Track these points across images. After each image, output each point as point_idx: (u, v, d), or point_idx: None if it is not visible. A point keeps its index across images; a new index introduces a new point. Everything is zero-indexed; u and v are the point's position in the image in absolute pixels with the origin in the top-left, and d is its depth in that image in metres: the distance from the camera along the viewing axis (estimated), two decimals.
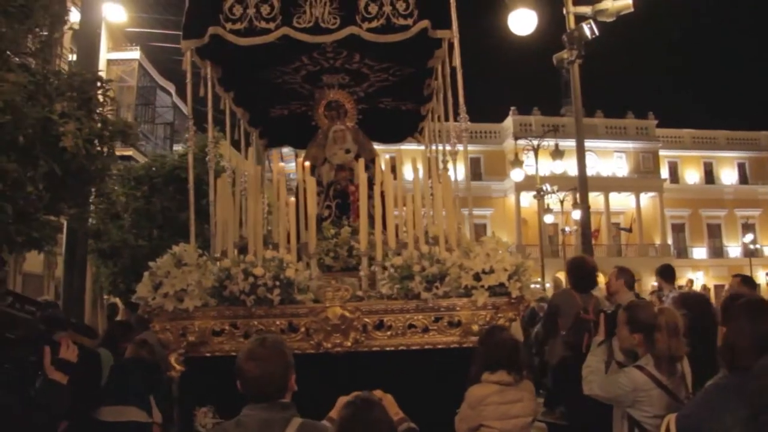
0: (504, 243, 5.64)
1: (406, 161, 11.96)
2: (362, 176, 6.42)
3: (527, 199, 45.40)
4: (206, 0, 6.21)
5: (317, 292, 5.52)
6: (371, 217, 6.23)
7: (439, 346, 5.48)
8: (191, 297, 5.36)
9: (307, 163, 6.71)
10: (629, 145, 49.53)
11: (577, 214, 38.78)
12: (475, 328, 5.43)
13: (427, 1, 6.12)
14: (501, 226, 45.42)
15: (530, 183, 33.77)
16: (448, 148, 7.95)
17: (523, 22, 10.59)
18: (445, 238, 5.99)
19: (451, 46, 6.23)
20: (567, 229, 36.32)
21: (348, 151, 7.81)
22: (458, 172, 7.87)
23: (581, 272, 6.60)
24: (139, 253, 8.97)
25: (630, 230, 41.12)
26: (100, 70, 7.62)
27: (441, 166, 7.40)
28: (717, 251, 51.13)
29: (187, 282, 5.34)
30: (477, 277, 5.41)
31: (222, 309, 5.45)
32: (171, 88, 23.77)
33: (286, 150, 14.44)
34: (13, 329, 3.06)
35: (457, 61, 6.09)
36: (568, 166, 32.89)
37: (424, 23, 6.05)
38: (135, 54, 21.31)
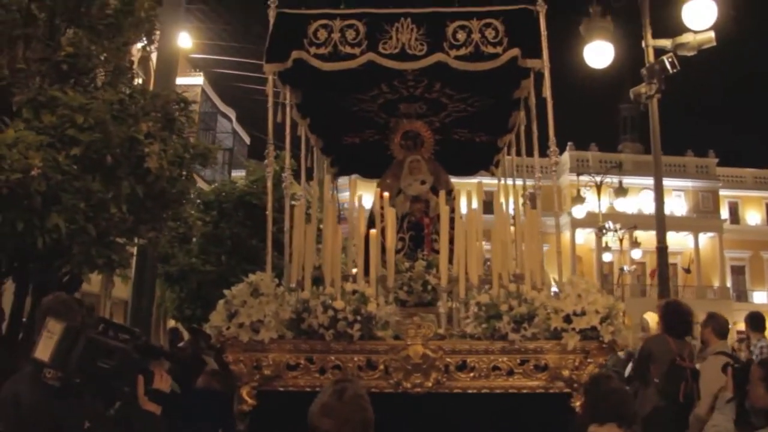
0: (594, 284, 5.34)
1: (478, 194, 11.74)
2: (443, 209, 6.20)
3: (582, 235, 44.68)
4: (290, 23, 6.10)
5: (398, 328, 5.28)
6: (450, 252, 6.00)
7: (524, 391, 5.20)
8: (268, 328, 5.16)
9: (386, 194, 6.50)
10: (688, 183, 48.43)
11: (636, 253, 37.98)
12: (565, 373, 5.14)
13: (517, 30, 5.90)
14: (555, 263, 44.59)
15: (586, 220, 33.21)
16: (529, 182, 7.74)
17: (599, 54, 10.32)
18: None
19: (540, 76, 5.99)
20: (626, 268, 35.43)
21: (423, 183, 7.61)
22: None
23: (677, 317, 6.23)
24: (206, 279, 8.92)
25: (689, 271, 39.99)
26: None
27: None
28: None
29: (264, 313, 5.15)
30: (567, 319, 5.11)
31: (298, 342, 5.25)
32: (231, 114, 24.02)
33: (341, 180, 14.36)
34: (107, 358, 2.88)
35: (547, 92, 5.86)
36: (626, 203, 32.29)
37: (514, 52, 5.82)
38: (199, 80, 21.62)
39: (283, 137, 6.46)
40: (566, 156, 46.38)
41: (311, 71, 6.10)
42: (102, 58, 5.17)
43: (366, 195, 6.48)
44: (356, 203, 6.24)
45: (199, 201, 9.64)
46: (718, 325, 6.20)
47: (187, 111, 5.19)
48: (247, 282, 5.34)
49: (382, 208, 6.42)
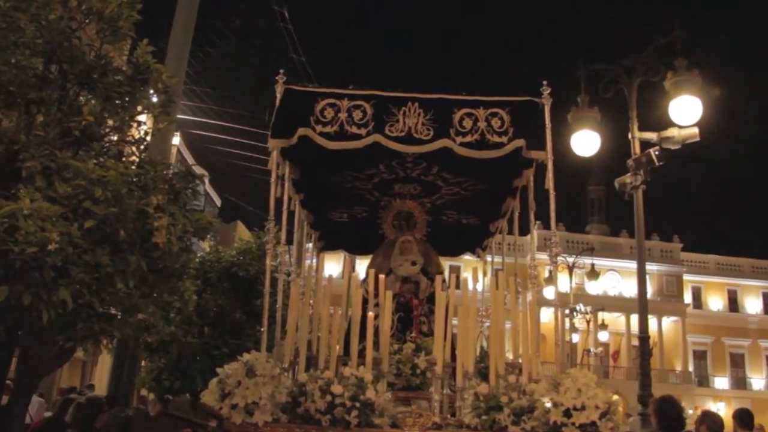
0: (593, 377, 5.38)
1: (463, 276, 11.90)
2: (440, 294, 6.23)
3: (546, 314, 44.92)
4: (298, 100, 6.19)
5: (395, 416, 5.24)
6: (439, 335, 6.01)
7: None
8: (263, 411, 5.06)
9: (382, 275, 6.52)
10: (653, 267, 49.06)
11: (603, 335, 38.23)
12: None
13: (522, 120, 6.07)
14: (519, 341, 44.64)
15: (553, 299, 33.35)
16: (511, 260, 7.85)
17: (586, 143, 10.60)
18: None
19: (542, 166, 6.15)
20: (592, 350, 35.62)
21: (414, 263, 7.64)
22: (482, 284, 7.91)
23: (672, 413, 6.28)
24: (187, 350, 8.78)
25: (651, 349, 40.52)
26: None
27: (516, 288, 7.20)
28: (740, 382, 49.86)
29: (260, 395, 5.06)
30: (567, 414, 5.12)
31: (293, 427, 5.15)
32: (205, 175, 24.00)
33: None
34: None
35: (550, 184, 5.99)
36: (592, 284, 32.77)
37: (520, 142, 5.98)
38: (175, 140, 21.59)
39: (273, 211, 6.44)
40: (534, 235, 47.11)
41: (314, 149, 6.18)
42: (115, 125, 5.18)
43: (332, 267, 6.50)
44: (324, 277, 6.26)
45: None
46: (713, 424, 6.27)
47: (194, 184, 5.19)
48: (242, 361, 5.25)
49: (376, 289, 6.44)
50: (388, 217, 8.04)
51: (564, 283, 30.86)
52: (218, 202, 29.32)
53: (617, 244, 49.21)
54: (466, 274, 6.28)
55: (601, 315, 36.27)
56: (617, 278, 48.22)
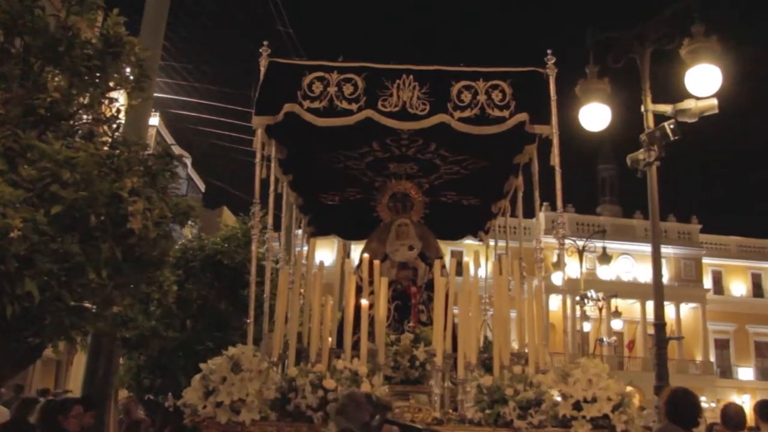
0: (605, 367, 5.37)
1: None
2: (439, 280, 6.21)
3: (555, 302, 44.96)
4: (284, 74, 6.17)
5: (392, 411, 5.23)
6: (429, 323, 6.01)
7: None
8: (249, 409, 5.07)
9: (377, 261, 6.50)
10: (670, 250, 49.06)
11: (617, 324, 38.29)
12: None
13: (525, 93, 6.05)
14: (526, 330, 44.76)
15: (563, 286, 33.37)
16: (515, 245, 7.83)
17: (595, 117, 10.53)
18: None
19: (547, 142, 6.13)
20: (605, 339, 35.66)
21: (411, 248, 7.65)
22: (485, 269, 7.73)
23: (688, 406, 6.26)
24: (168, 346, 8.75)
25: (681, 338, 40.25)
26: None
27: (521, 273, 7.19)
28: (765, 372, 49.98)
29: (246, 391, 5.06)
30: (577, 406, 5.13)
31: (282, 425, 5.16)
32: (187, 158, 23.93)
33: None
34: None
35: (556, 160, 5.98)
36: (604, 269, 32.76)
37: (522, 116, 5.96)
38: (154, 120, 21.47)
39: (259, 193, 6.41)
40: (541, 217, 47.00)
41: (302, 126, 6.15)
42: (84, 103, 5.11)
43: (324, 254, 6.50)
44: (315, 264, 6.25)
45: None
46: (730, 419, 6.27)
47: (172, 166, 5.13)
48: (227, 355, 5.25)
49: (370, 276, 6.43)
50: (383, 198, 8.05)
51: (574, 268, 30.85)
52: (202, 187, 29.26)
53: (630, 226, 49.15)
54: (468, 259, 6.26)
55: (614, 302, 36.23)
56: (631, 262, 48.21)
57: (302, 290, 6.51)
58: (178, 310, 8.87)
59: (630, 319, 46.17)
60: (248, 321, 5.90)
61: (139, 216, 4.42)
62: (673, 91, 10.19)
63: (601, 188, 53.65)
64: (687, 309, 49.76)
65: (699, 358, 48.69)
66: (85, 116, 5.29)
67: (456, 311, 6.11)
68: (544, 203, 49.74)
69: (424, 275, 7.55)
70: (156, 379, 9.11)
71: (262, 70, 6.22)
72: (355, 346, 5.71)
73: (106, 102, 5.40)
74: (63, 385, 16.76)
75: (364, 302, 5.90)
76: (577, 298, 29.14)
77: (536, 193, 6.54)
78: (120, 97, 5.71)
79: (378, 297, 5.97)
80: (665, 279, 49.77)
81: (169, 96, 23.48)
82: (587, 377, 5.19)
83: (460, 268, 6.18)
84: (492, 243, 8.83)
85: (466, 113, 5.98)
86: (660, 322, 9.65)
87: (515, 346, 6.50)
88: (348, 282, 6.06)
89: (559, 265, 24.65)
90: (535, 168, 6.55)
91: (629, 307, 45.84)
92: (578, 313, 33.28)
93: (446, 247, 8.31)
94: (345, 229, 9.12)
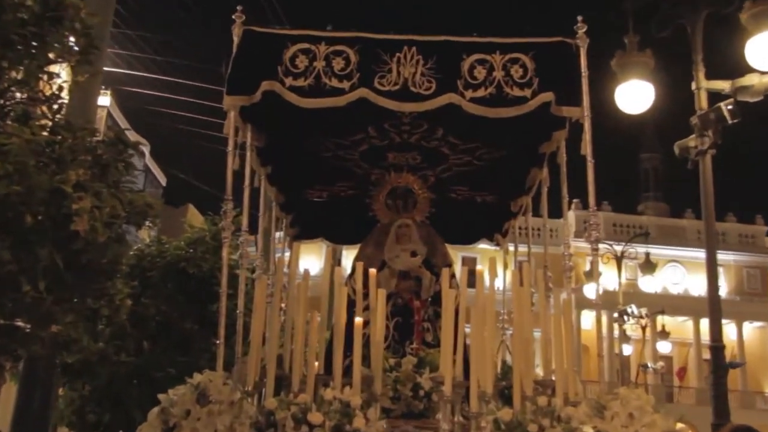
0: (649, 399, 5.42)
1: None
2: (448, 293, 6.25)
3: (588, 319, 44.85)
4: (262, 46, 6.22)
5: None
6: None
7: None
8: None
9: (373, 270, 6.56)
10: (729, 257, 48.98)
11: (665, 346, 38.39)
12: None
13: (550, 68, 6.11)
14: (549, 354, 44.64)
15: (592, 300, 33.25)
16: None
17: (636, 96, 10.57)
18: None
19: (578, 128, 6.18)
20: (650, 365, 35.77)
21: (414, 254, 7.71)
22: (503, 279, 8.09)
23: None
24: (120, 372, 8.76)
25: (743, 364, 40.08)
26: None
27: (547, 285, 7.24)
28: None
29: (215, 427, 5.10)
30: None
31: None
32: (145, 146, 23.99)
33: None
34: None
35: (587, 148, 6.03)
36: (644, 279, 32.84)
37: (547, 96, 6.01)
38: (104, 99, 21.52)
39: (231, 188, 6.45)
40: (571, 217, 46.80)
41: (283, 108, 6.20)
42: (18, 78, 5.13)
43: (310, 261, 6.55)
44: (298, 273, 6.31)
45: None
46: None
47: (127, 156, 5.17)
48: (191, 384, 5.29)
49: (365, 288, 6.49)
50: (380, 195, 8.13)
51: (610, 278, 30.87)
52: (163, 180, 29.34)
53: (679, 228, 49.18)
54: (482, 267, 6.31)
55: (660, 319, 36.35)
56: (681, 272, 48.26)
57: (283, 305, 6.56)
58: (133, 329, 8.92)
59: (680, 341, 46.19)
60: (218, 342, 5.93)
61: (85, 216, 4.47)
62: (732, 65, 10.23)
63: (644, 182, 53.57)
64: (751, 329, 49.58)
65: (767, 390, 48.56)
66: (18, 94, 5.31)
67: (468, 330, 6.16)
68: (575, 200, 49.97)
69: (429, 287, 7.60)
70: (104, 413, 9.11)
71: (236, 40, 6.25)
72: (347, 372, 5.76)
73: (45, 77, 5.41)
74: None
75: (358, 319, 5.94)
76: (615, 315, 29.11)
77: (564, 188, 6.61)
78: (62, 72, 5.73)
79: (374, 313, 6.02)
80: (723, 292, 49.65)
81: (124, 71, 23.53)
82: (628, 411, 5.23)
83: (472, 279, 6.21)
84: (511, 248, 8.91)
85: (480, 92, 6.03)
86: (718, 344, 9.68)
87: (540, 372, 6.52)
88: (338, 295, 6.11)
89: (592, 274, 24.77)
90: (563, 158, 6.61)
91: (679, 325, 45.85)
92: (616, 332, 33.33)
93: (456, 253, 8.36)
94: (335, 231, 9.20)
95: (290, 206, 8.62)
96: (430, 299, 7.59)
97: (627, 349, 34.70)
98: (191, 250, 9.84)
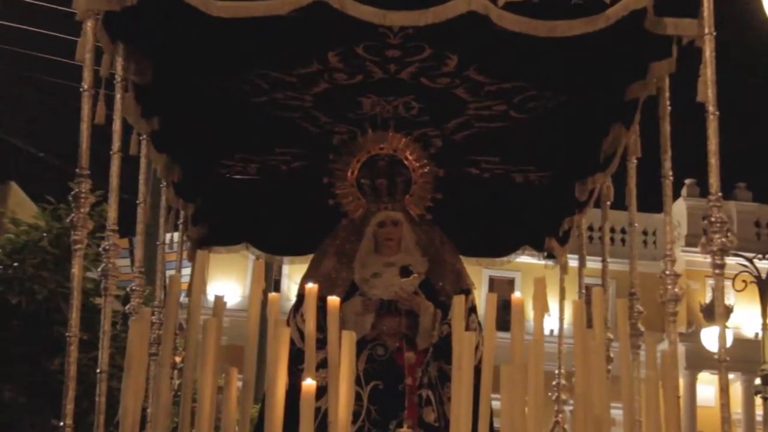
0: None
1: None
2: (462, 337, 6.23)
3: (707, 388, 45.09)
4: None
5: None
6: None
7: None
8: None
9: (334, 297, 6.54)
10: None
11: None
12: None
13: None
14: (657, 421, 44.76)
15: (713, 353, 33.18)
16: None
17: None
18: None
19: (691, 55, 6.19)
20: None
21: (407, 272, 7.69)
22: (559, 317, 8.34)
23: None
24: None
25: None
26: None
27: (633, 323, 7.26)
28: None
29: None
30: None
31: None
32: None
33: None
34: None
35: (707, 92, 6.00)
36: None
37: (641, 1, 6.01)
38: None
39: (87, 156, 6.42)
40: (679, 208, 46.60)
41: (181, 17, 6.19)
42: None
43: (226, 283, 6.43)
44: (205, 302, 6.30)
45: None
46: None
47: None
48: None
49: (320, 328, 6.47)
50: (348, 170, 8.08)
51: (749, 316, 30.97)
52: None
53: None
54: (521, 296, 6.30)
55: None
56: None
57: (179, 358, 6.54)
58: None
59: None
60: (62, 425, 5.92)
61: None
62: None
63: None
64: None
65: None
66: None
67: (498, 404, 6.15)
68: (685, 181, 50.29)
69: (431, 328, 7.59)
70: None
71: None
72: None
73: None
74: None
75: (308, 383, 5.94)
76: (757, 382, 29.25)
77: (667, 161, 6.57)
78: None
79: (337, 373, 6.01)
80: None
81: None
82: None
83: (506, 315, 6.19)
84: (574, 263, 8.90)
85: None
86: None
87: None
88: (274, 341, 6.09)
89: (715, 309, 24.86)
90: (666, 109, 6.60)
91: None
92: (759, 412, 33.59)
93: (480, 271, 8.38)
94: (269, 232, 9.20)
95: (193, 189, 8.59)
96: (432, 349, 7.58)
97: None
98: (14, 265, 9.74)
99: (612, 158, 7.81)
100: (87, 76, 6.18)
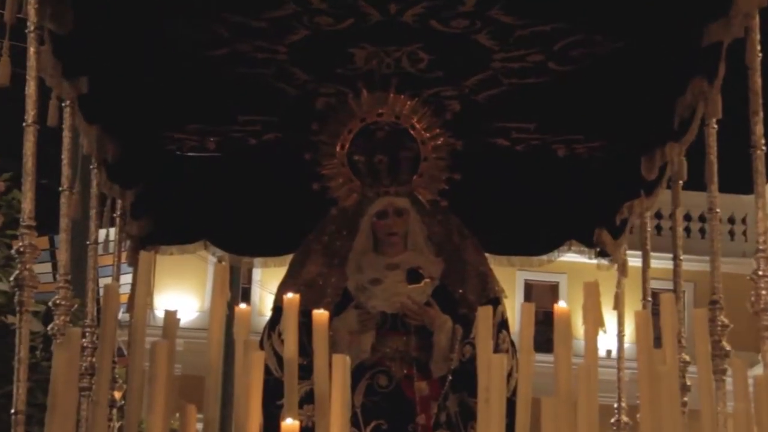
0: None
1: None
2: (489, 360, 6.23)
3: None
4: None
5: None
6: None
7: None
8: None
9: (321, 311, 6.53)
10: None
11: None
12: None
13: None
14: None
15: None
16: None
17: None
18: None
19: None
20: None
21: (415, 276, 7.67)
22: (622, 332, 7.98)
23: None
24: None
25: None
26: None
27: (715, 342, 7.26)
28: None
29: None
30: None
31: None
32: None
33: None
34: None
35: None
36: None
37: None
38: None
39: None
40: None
41: None
42: None
43: (180, 296, 6.42)
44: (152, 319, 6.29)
45: None
46: None
47: None
48: None
49: (303, 352, 6.46)
50: (337, 143, 8.05)
51: None
52: None
53: None
54: (566, 305, 6.29)
55: None
56: None
57: (119, 393, 6.54)
58: None
59: None
60: None
61: None
62: None
63: None
64: None
65: None
66: None
67: None
68: None
69: (448, 349, 7.57)
70: None
71: None
72: None
73: None
74: None
75: (289, 424, 5.94)
76: None
77: (758, 126, 6.54)
78: None
79: (327, 410, 6.01)
80: None
81: None
82: None
83: (547, 330, 6.17)
84: (635, 262, 8.88)
85: None
86: None
87: None
88: (245, 368, 6.10)
89: None
90: (755, 57, 6.58)
91: None
92: None
93: (513, 273, 8.39)
94: (234, 226, 9.17)
95: (133, 171, 8.58)
96: (451, 377, 7.56)
97: None
98: None
99: (688, 124, 7.78)
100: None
